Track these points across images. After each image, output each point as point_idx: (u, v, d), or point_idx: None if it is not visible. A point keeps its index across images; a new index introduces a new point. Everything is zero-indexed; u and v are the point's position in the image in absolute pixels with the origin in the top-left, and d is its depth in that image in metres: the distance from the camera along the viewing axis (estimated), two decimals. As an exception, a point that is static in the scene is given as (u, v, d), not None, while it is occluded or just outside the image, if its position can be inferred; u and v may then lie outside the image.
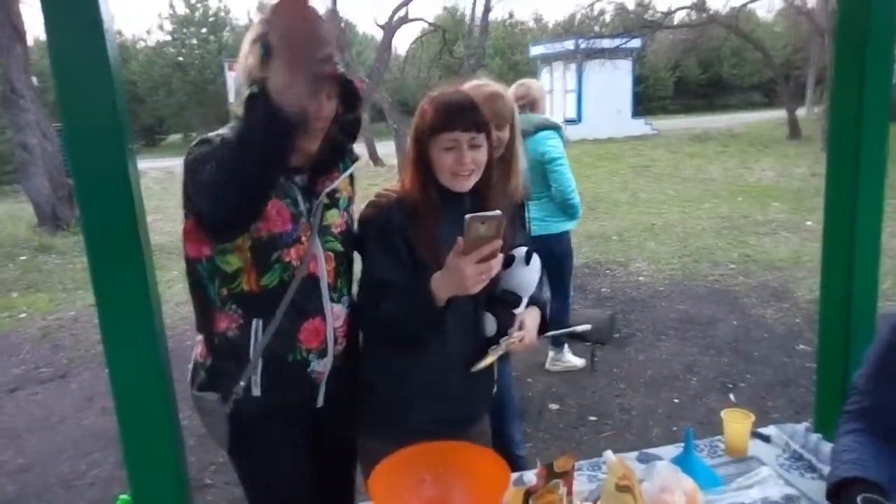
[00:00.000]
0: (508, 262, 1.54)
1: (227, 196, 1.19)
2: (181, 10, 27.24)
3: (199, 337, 1.51)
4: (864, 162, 1.59)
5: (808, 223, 7.30)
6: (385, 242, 1.48)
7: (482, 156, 1.49)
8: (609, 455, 1.40)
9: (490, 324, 1.57)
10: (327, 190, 1.47)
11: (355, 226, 1.58)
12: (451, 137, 1.44)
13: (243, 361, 1.43)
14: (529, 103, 3.38)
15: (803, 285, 5.24)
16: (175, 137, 28.58)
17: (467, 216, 1.28)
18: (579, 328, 2.94)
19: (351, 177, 1.60)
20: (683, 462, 1.40)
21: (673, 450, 1.55)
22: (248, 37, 1.35)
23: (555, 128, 3.40)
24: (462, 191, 1.50)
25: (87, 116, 1.26)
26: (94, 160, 1.28)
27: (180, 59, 26.74)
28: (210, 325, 1.46)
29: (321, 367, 1.50)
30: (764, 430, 1.65)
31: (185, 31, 27.25)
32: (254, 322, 1.42)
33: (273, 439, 1.53)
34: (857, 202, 1.61)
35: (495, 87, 1.99)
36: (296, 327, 1.45)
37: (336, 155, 1.50)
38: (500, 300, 1.58)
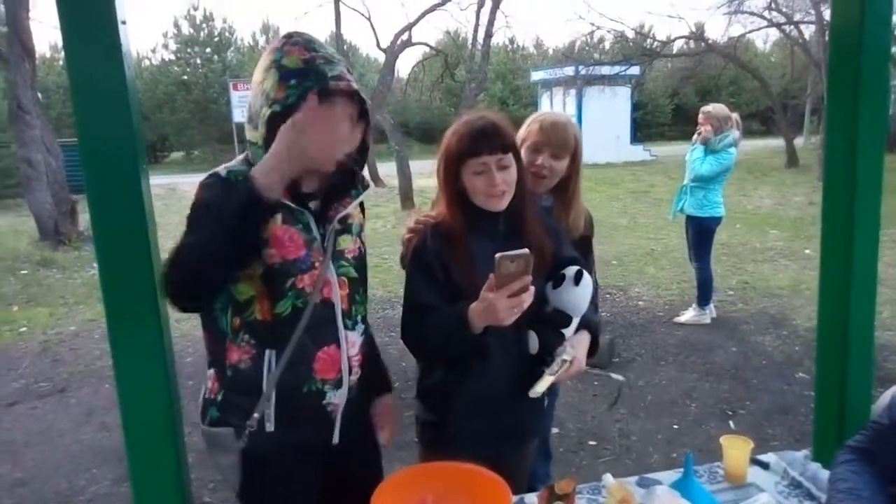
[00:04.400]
0: (559, 281, 1.59)
1: (196, 269, 1.28)
2: (186, 30, 27.58)
3: (210, 372, 1.47)
4: (859, 192, 1.61)
5: (807, 251, 7.34)
6: (423, 267, 1.56)
7: (512, 175, 1.55)
8: (609, 479, 1.41)
9: (533, 341, 1.60)
10: (340, 215, 1.46)
11: (368, 251, 1.59)
12: (480, 161, 1.51)
13: (256, 394, 1.39)
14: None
15: (802, 313, 5.27)
16: (177, 155, 28.72)
17: (497, 255, 1.35)
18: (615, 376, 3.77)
19: (361, 204, 1.60)
20: (683, 487, 1.41)
21: (673, 475, 1.56)
22: (262, 64, 1.38)
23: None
24: (498, 210, 1.56)
25: (104, 137, 1.29)
26: (109, 179, 1.31)
27: (184, 77, 26.99)
28: (222, 358, 1.43)
29: (337, 398, 1.47)
30: (763, 457, 1.66)
31: (189, 50, 27.52)
32: (267, 353, 1.39)
33: (287, 478, 1.47)
34: (853, 232, 1.63)
35: (560, 117, 2.01)
36: (310, 357, 1.41)
37: (348, 181, 1.50)
38: (549, 319, 1.60)
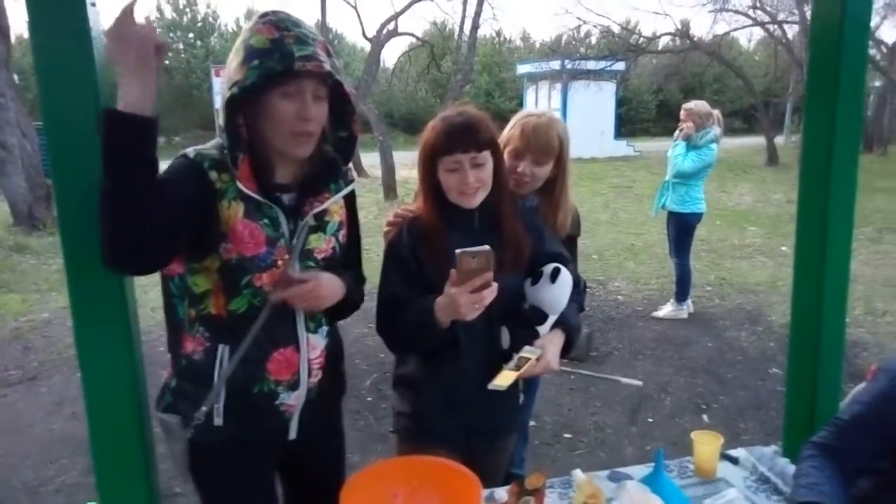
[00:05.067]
0: (536, 278, 1.59)
1: (107, 230, 1.13)
2: (169, 14, 27.17)
3: (169, 357, 1.45)
4: (834, 191, 1.63)
5: (784, 248, 7.43)
6: (397, 260, 1.58)
7: (486, 173, 1.54)
8: (578, 474, 1.42)
9: (505, 337, 1.61)
10: (314, 211, 1.38)
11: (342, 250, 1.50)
12: (454, 160, 1.51)
13: (206, 387, 1.35)
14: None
15: (777, 309, 5.33)
16: (159, 140, 28.28)
17: (457, 251, 1.36)
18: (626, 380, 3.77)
19: (352, 200, 1.53)
20: (653, 482, 1.42)
21: (643, 469, 1.57)
22: (235, 45, 1.34)
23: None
24: (471, 207, 1.55)
25: (70, 122, 1.26)
26: (76, 164, 1.28)
27: (166, 63, 26.58)
28: (178, 346, 1.40)
29: (292, 400, 1.41)
30: (733, 453, 1.68)
31: (171, 35, 27.13)
32: (220, 348, 1.35)
33: (235, 471, 1.44)
34: (827, 229, 1.65)
35: (543, 119, 1.93)
36: (264, 357, 1.37)
37: (328, 174, 1.41)
38: (525, 315, 1.61)
